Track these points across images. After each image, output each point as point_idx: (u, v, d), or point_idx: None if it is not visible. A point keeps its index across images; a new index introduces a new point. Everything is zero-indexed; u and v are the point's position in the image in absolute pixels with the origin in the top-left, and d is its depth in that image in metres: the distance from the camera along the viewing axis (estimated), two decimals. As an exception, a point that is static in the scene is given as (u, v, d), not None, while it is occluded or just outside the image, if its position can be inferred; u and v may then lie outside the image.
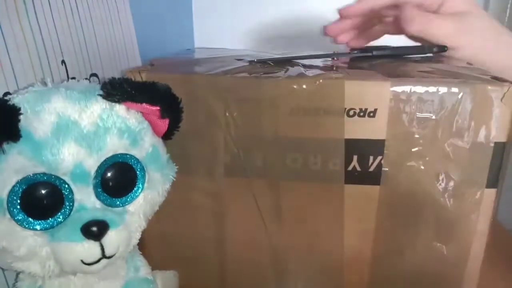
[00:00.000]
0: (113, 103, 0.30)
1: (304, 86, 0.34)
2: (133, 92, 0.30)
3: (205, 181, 0.38)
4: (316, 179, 0.36)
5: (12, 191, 0.26)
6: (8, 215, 0.26)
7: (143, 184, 0.32)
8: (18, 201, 0.26)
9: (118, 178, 0.30)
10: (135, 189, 0.31)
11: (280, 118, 0.35)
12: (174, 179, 0.34)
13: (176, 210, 0.38)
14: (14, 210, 0.26)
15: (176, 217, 0.39)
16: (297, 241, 0.38)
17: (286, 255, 0.39)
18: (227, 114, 0.35)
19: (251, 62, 0.41)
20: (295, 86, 0.34)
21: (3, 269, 0.31)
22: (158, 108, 0.31)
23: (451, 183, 0.35)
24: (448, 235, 0.37)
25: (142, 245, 0.39)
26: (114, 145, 0.29)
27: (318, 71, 0.37)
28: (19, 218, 0.27)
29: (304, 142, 0.35)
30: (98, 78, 0.44)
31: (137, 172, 0.31)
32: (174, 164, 0.35)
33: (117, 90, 0.29)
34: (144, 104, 0.30)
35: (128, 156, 0.30)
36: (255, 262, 0.40)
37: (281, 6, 0.84)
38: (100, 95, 0.29)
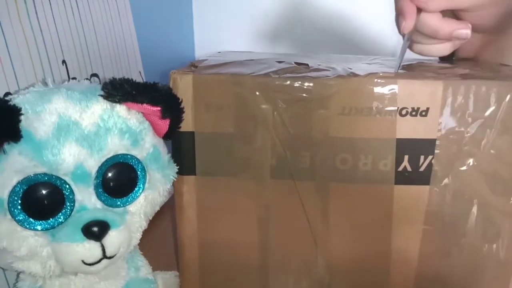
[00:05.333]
0: (114, 104, 0.30)
1: (356, 85, 0.34)
2: (134, 92, 0.30)
3: (250, 183, 0.37)
4: (365, 181, 0.36)
5: (13, 192, 0.26)
6: (9, 216, 0.26)
7: (144, 184, 0.32)
8: (19, 201, 0.26)
9: (119, 179, 0.30)
10: (136, 189, 0.31)
11: (331, 119, 0.34)
12: (175, 179, 0.34)
13: (219, 213, 0.38)
14: (15, 210, 0.26)
15: (219, 220, 0.38)
16: (344, 244, 0.38)
17: (332, 259, 0.38)
18: (275, 115, 0.35)
19: (299, 64, 0.39)
20: (346, 85, 0.34)
21: (3, 269, 0.32)
22: (159, 108, 0.31)
23: (501, 182, 0.35)
24: (496, 235, 0.36)
25: (181, 250, 0.39)
26: (115, 146, 0.29)
27: (368, 70, 0.36)
28: (20, 218, 0.27)
29: (355, 143, 0.35)
30: (99, 78, 0.44)
31: (138, 172, 0.31)
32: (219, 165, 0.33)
33: (118, 90, 0.29)
34: (145, 105, 0.30)
35: (129, 156, 0.30)
36: (299, 266, 0.39)
37: (281, 7, 0.84)
38: (101, 95, 0.29)
